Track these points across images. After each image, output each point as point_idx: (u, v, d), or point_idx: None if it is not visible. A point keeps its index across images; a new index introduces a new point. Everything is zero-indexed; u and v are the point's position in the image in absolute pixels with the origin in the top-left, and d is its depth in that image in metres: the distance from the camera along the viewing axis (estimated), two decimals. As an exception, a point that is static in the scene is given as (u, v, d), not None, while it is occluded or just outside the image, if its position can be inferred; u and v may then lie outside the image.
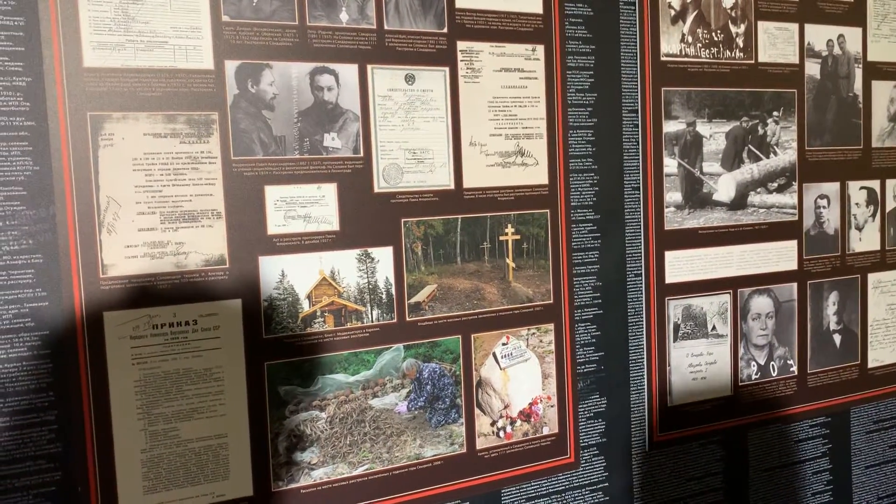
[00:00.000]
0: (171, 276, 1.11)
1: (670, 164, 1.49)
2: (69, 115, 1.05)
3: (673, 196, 1.50)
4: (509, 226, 1.35)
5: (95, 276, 1.07)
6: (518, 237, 1.36)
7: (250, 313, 1.16)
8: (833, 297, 1.70)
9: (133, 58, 1.08)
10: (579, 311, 1.43)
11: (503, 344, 1.36)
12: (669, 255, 1.50)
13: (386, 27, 1.23)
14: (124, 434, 1.09)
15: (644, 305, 1.49)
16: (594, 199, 1.43)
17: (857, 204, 1.72)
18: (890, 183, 1.76)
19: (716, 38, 1.53)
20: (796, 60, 1.62)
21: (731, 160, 1.56)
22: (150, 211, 1.09)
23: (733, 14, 1.54)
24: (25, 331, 1.04)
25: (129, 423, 1.09)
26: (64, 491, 1.06)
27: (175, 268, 1.11)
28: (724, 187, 1.55)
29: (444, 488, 1.31)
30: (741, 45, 1.55)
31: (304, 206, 1.19)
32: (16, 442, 1.04)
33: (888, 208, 1.76)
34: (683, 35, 1.50)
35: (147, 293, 1.09)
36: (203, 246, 1.13)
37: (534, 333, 1.39)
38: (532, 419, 1.39)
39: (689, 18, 1.50)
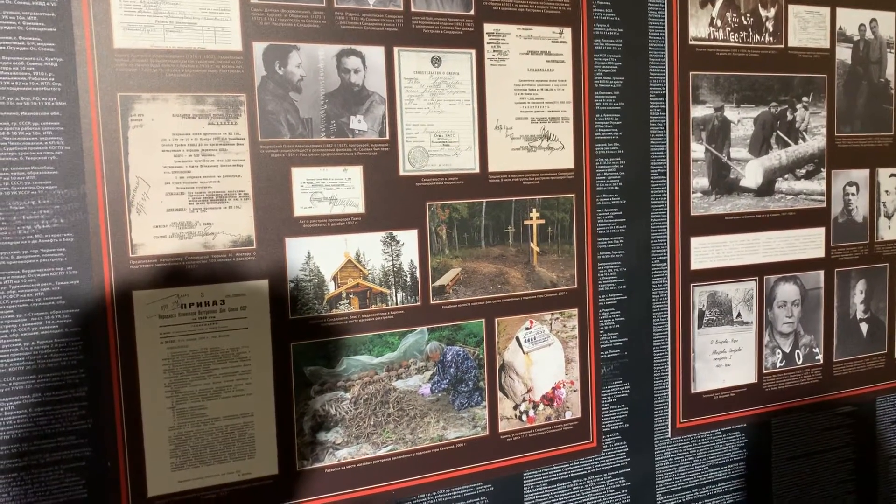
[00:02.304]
0: (199, 256, 1.12)
1: (697, 150, 1.48)
2: (100, 95, 1.06)
3: (699, 181, 1.49)
4: (534, 210, 1.35)
5: (125, 255, 1.08)
6: (543, 221, 1.36)
7: (277, 294, 1.17)
8: (860, 286, 1.68)
9: (162, 39, 1.08)
10: (603, 296, 1.43)
11: (527, 328, 1.36)
12: (695, 241, 1.49)
13: (413, 9, 1.23)
14: (153, 411, 1.10)
15: (669, 291, 1.48)
16: (620, 183, 1.42)
17: (886, 191, 1.70)
18: (921, 170, 1.74)
19: (745, 22, 1.51)
20: (827, 45, 1.60)
21: (759, 146, 1.54)
22: (178, 191, 1.10)
23: (763, -3, 1.52)
24: (57, 308, 1.05)
25: (158, 400, 1.10)
26: (94, 466, 1.08)
27: (203, 248, 1.12)
28: (751, 173, 1.53)
29: (466, 470, 1.32)
30: (771, 29, 1.53)
31: (331, 188, 1.19)
32: (47, 417, 1.05)
33: (919, 196, 1.74)
34: (712, 19, 1.48)
35: (175, 273, 1.11)
36: (231, 227, 1.13)
37: (557, 318, 1.39)
38: (555, 403, 1.39)
39: (719, 2, 1.48)
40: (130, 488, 1.10)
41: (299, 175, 1.17)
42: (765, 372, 1.58)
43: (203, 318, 1.12)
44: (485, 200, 1.31)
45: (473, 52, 1.28)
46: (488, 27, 1.29)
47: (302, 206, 1.18)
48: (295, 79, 1.16)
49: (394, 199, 1.24)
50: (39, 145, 1.03)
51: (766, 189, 1.55)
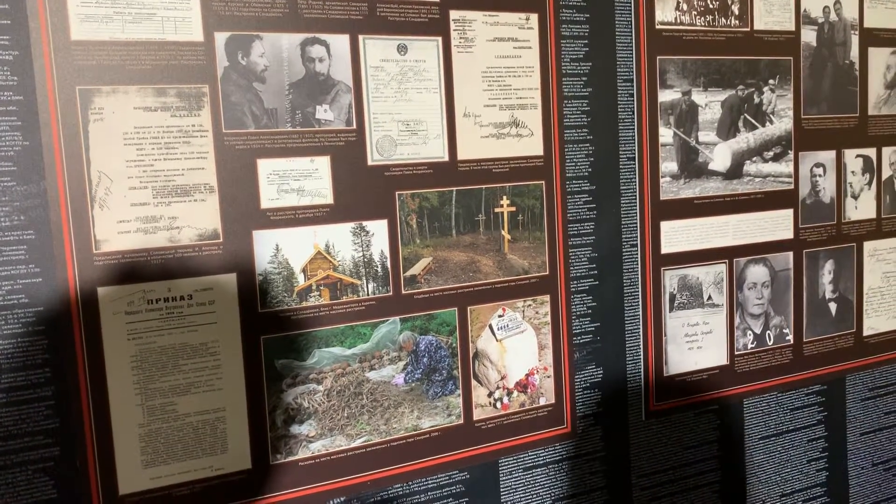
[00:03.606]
0: (164, 250, 1.10)
1: (665, 134, 1.48)
2: (58, 89, 1.03)
3: (668, 166, 1.49)
4: (504, 197, 1.35)
5: (89, 251, 1.06)
6: (513, 209, 1.36)
7: (245, 287, 1.16)
8: (829, 266, 1.70)
9: (121, 30, 1.06)
10: (575, 282, 1.43)
11: (499, 316, 1.36)
12: (665, 226, 1.50)
13: (377, -3, 1.22)
14: (121, 409, 1.09)
15: (640, 276, 1.49)
16: (589, 169, 1.42)
17: (853, 172, 1.72)
18: (886, 151, 1.75)
19: (711, 6, 1.51)
20: (792, 27, 1.61)
21: (727, 129, 1.55)
22: (141, 185, 1.08)
23: (729, -19, 1.53)
24: (19, 307, 1.03)
25: (126, 397, 1.09)
26: (63, 466, 1.07)
27: (168, 242, 1.10)
28: (719, 157, 1.54)
29: (441, 459, 1.32)
30: (737, 12, 1.54)
31: (298, 179, 1.18)
32: (13, 418, 1.04)
33: (884, 176, 1.76)
34: (678, 3, 1.48)
35: (141, 268, 1.09)
36: (196, 220, 1.12)
37: (530, 305, 1.39)
38: (529, 390, 1.39)
39: (685, -14, 1.49)
40: (101, 487, 1.09)
41: (265, 166, 1.16)
42: (736, 353, 1.60)
43: (170, 313, 1.11)
44: (455, 189, 1.30)
45: (440, 39, 1.27)
46: (454, 14, 1.28)
47: (269, 197, 1.17)
48: (258, 69, 1.15)
49: (363, 189, 1.23)
50: (-3, 141, 1.01)
51: (735, 172, 1.56)
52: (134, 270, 1.09)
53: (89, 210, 1.06)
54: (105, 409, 1.08)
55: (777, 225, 1.62)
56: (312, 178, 1.19)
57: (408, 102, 1.25)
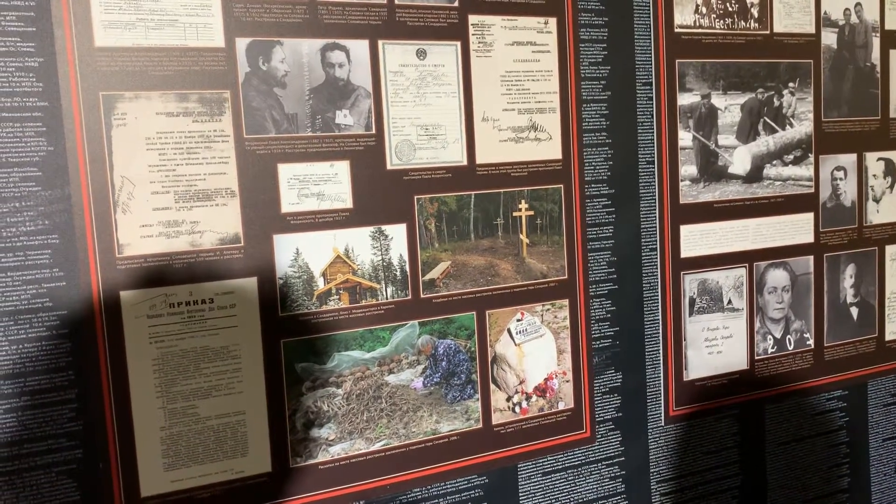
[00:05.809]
0: (186, 255, 1.11)
1: (685, 138, 1.48)
2: (82, 94, 1.05)
3: (688, 169, 1.48)
4: (523, 201, 1.35)
5: (112, 255, 1.07)
6: (532, 213, 1.36)
7: (266, 291, 1.16)
8: (850, 270, 1.69)
9: (144, 37, 1.07)
10: (594, 286, 1.43)
11: (518, 320, 1.36)
12: (684, 230, 1.49)
13: (396, 1, 1.22)
14: (143, 412, 1.10)
15: (659, 280, 1.48)
16: (608, 173, 1.42)
17: (874, 175, 1.70)
18: (908, 154, 1.74)
19: (730, 9, 1.51)
20: (812, 30, 1.60)
21: (747, 132, 1.54)
22: (164, 190, 1.09)
23: (748, -17, 1.52)
24: (44, 311, 1.04)
25: (148, 401, 1.10)
26: (85, 468, 1.08)
27: (190, 247, 1.11)
28: (739, 160, 1.54)
29: (460, 463, 1.32)
30: (756, 15, 1.53)
31: (318, 183, 1.19)
32: (37, 420, 1.05)
33: (906, 179, 1.74)
34: (697, 6, 1.48)
35: (163, 272, 1.10)
36: (218, 225, 1.13)
37: (548, 309, 1.38)
38: (547, 394, 1.39)
39: (704, -11, 1.48)
40: (123, 489, 1.09)
41: (286, 171, 1.17)
42: (756, 358, 1.59)
43: (192, 317, 1.12)
44: (473, 193, 1.30)
45: (458, 43, 1.27)
46: (473, 18, 1.28)
47: (289, 202, 1.17)
48: (279, 74, 1.15)
49: (382, 193, 1.24)
50: (22, 146, 1.02)
51: (755, 175, 1.55)
52: (156, 274, 1.09)
53: (112, 214, 1.07)
54: (127, 412, 1.09)
55: (797, 229, 1.61)
56: (332, 183, 1.20)
57: (427, 107, 1.25)
